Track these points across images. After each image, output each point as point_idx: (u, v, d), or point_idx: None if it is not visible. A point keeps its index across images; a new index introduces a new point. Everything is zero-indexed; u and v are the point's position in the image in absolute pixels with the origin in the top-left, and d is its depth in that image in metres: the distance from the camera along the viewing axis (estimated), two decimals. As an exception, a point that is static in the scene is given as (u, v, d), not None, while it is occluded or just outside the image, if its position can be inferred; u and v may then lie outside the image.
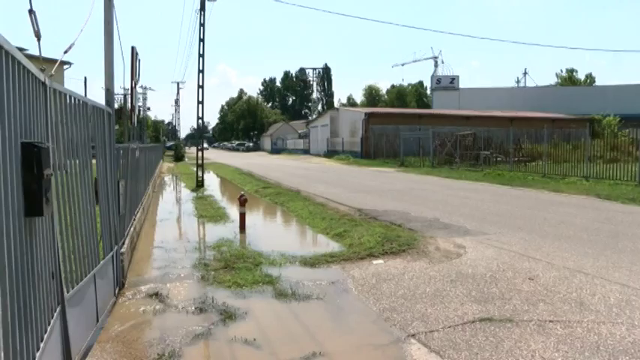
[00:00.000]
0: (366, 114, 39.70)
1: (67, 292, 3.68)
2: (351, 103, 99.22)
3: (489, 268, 6.37)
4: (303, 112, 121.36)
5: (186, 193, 17.50)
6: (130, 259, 7.09)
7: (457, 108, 53.67)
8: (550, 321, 4.50)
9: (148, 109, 67.99)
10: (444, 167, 25.78)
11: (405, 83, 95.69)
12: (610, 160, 18.24)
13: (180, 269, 6.81)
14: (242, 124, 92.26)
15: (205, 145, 69.31)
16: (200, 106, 19.42)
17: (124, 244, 6.58)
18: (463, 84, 63.84)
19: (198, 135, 22.25)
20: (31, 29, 3.43)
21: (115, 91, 6.27)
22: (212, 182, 22.40)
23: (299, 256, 7.32)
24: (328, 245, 8.27)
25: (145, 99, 64.10)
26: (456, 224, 9.33)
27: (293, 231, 10.66)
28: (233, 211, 12.21)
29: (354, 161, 35.56)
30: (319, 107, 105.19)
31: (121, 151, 7.02)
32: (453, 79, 62.19)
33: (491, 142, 26.02)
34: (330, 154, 44.91)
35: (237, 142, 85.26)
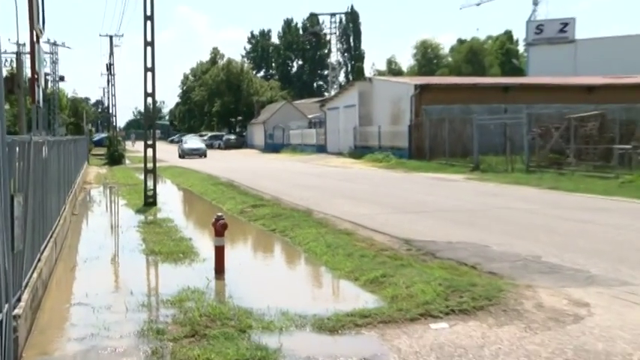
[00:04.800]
0: (416, 87, 39.66)
1: None
2: (392, 69, 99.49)
3: (637, 343, 6.26)
4: (315, 86, 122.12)
5: (129, 216, 17.60)
6: (30, 325, 7.09)
7: (572, 73, 53.08)
8: None
9: (62, 79, 68.72)
10: (547, 172, 25.53)
11: (482, 35, 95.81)
12: None
13: (118, 340, 6.79)
14: (218, 104, 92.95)
15: (199, 143, 56.05)
16: (150, 75, 19.59)
17: (19, 300, 6.56)
18: (582, 32, 63.12)
19: (148, 121, 22.39)
20: None
21: (1, 48, 6.27)
22: (171, 198, 22.45)
23: (311, 315, 7.29)
24: (357, 298, 8.25)
25: (55, 62, 64.85)
26: (571, 266, 9.25)
27: (301, 275, 10.61)
28: (204, 244, 12.19)
29: (398, 163, 35.48)
30: (341, 77, 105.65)
31: (17, 148, 7.02)
32: (566, 25, 61.34)
33: (634, 130, 25.66)
34: (358, 151, 44.90)
35: (210, 134, 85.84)
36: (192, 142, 58.74)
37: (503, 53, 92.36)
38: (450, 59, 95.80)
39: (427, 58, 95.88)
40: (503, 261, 9.60)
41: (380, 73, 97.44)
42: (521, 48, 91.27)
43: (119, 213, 19.44)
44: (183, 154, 52.53)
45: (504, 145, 29.80)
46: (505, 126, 30.65)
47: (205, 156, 52.66)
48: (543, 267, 9.21)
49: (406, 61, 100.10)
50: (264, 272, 10.72)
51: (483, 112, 35.20)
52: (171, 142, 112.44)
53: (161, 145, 79.49)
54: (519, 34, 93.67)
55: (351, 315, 7.22)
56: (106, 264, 11.29)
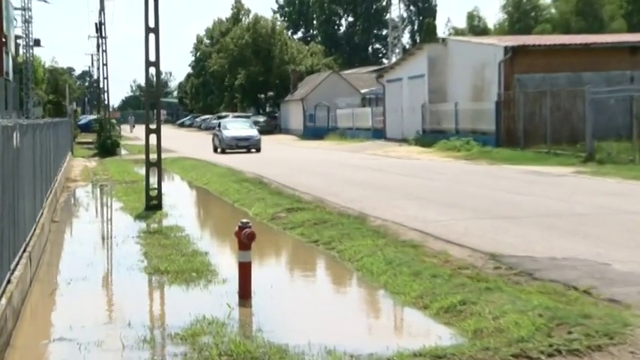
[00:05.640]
0: (507, 49, 39.20)
1: None
2: (475, 27, 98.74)
3: None
4: (370, 50, 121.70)
5: (127, 223, 17.83)
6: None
7: None
8: None
9: (37, 43, 69.61)
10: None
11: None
12: None
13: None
14: (242, 75, 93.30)
15: (249, 128, 47.59)
16: (152, 37, 19.71)
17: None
18: None
19: (150, 99, 22.56)
20: None
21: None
22: (180, 199, 22.73)
23: (366, 355, 7.29)
24: (428, 332, 8.26)
25: (28, 21, 65.73)
26: None
27: (352, 301, 10.60)
28: (225, 261, 12.30)
29: (482, 152, 35.18)
30: (405, 39, 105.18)
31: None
32: None
33: None
34: (428, 137, 44.67)
35: (232, 115, 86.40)
36: (237, 126, 49.60)
37: (629, 1, 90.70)
38: (553, 11, 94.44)
39: (522, 10, 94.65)
40: (629, 284, 9.38)
41: (458, 31, 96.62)
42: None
43: (113, 219, 19.64)
44: (224, 147, 45.73)
45: (630, 127, 29.33)
46: (631, 100, 30.15)
47: (259, 149, 45.58)
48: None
49: (493, 16, 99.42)
50: (303, 297, 10.72)
51: (600, 82, 34.68)
52: (181, 125, 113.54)
53: (168, 131, 79.54)
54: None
55: (420, 355, 7.17)
56: (95, 286, 11.39)
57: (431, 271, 10.41)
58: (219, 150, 45.94)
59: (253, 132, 47.87)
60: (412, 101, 49.39)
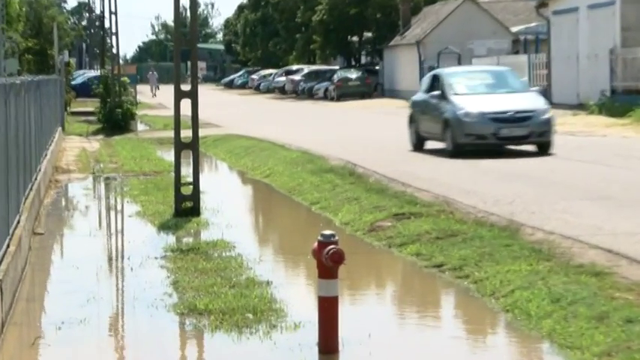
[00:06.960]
0: None
1: None
2: None
3: None
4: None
5: (147, 236, 18.10)
6: None
7: None
8: None
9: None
10: None
11: None
12: None
13: None
14: (323, 9, 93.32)
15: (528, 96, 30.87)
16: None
17: None
18: None
19: (181, 45, 22.74)
20: None
21: None
22: (228, 199, 23.06)
23: None
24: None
25: None
26: None
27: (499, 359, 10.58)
28: (297, 294, 12.46)
29: None
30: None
31: None
32: None
33: None
34: (620, 100, 44.17)
35: (306, 70, 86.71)
36: (488, 88, 33.17)
37: None
38: None
39: None
40: None
41: None
42: None
43: (126, 231, 19.89)
44: (461, 139, 30.20)
45: None
46: None
47: (548, 145, 29.61)
48: None
49: None
50: (419, 353, 10.71)
51: None
52: (229, 86, 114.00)
53: (210, 94, 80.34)
54: None
55: None
56: (99, 333, 11.49)
57: (624, 314, 10.23)
58: (447, 145, 30.69)
59: (533, 100, 32.13)
60: (594, 45, 49.17)
